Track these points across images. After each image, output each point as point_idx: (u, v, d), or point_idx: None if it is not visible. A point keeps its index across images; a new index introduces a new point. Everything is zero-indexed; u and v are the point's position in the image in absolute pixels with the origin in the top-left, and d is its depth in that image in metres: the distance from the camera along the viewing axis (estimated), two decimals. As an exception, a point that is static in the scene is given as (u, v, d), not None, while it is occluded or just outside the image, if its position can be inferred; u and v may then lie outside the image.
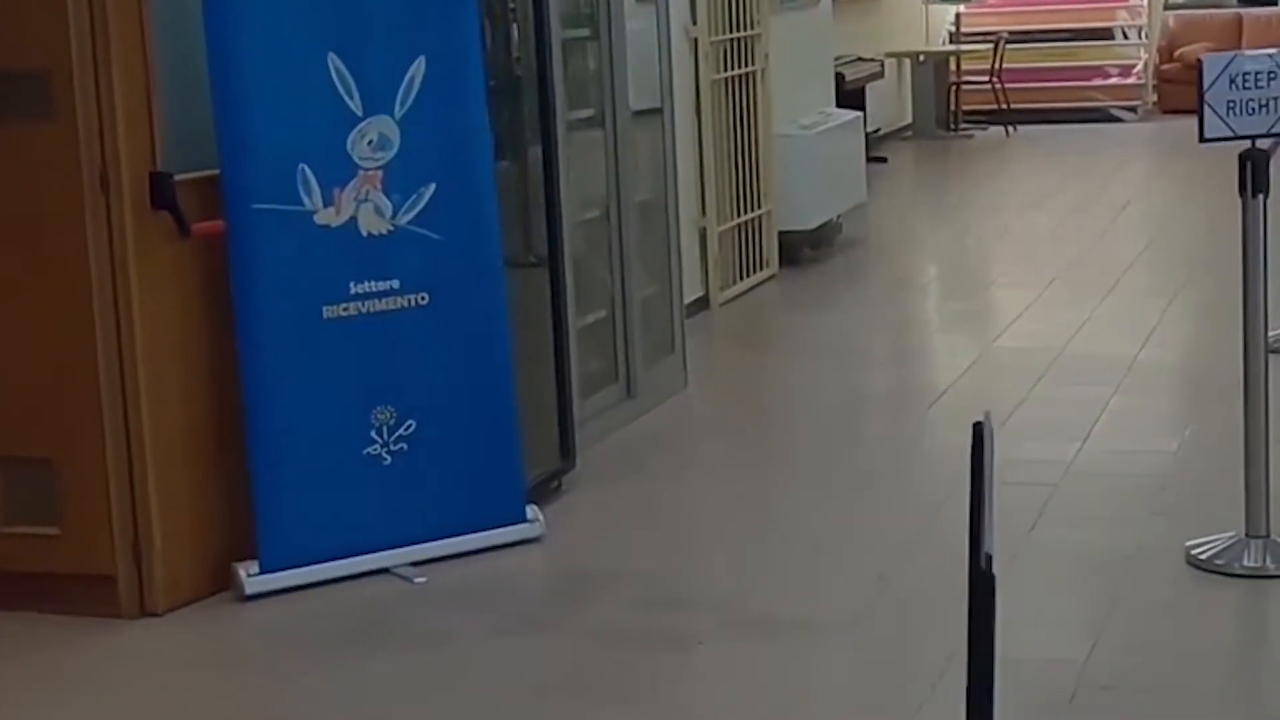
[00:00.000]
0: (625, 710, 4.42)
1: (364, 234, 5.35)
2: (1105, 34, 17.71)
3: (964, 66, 16.72)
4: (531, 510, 5.68)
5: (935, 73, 16.42)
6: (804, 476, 6.44)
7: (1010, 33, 17.12)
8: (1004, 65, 16.43)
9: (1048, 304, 9.17)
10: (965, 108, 16.65)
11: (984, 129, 16.48)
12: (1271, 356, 7.37)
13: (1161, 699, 4.34)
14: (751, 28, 9.69)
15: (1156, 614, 4.90)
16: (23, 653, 4.89)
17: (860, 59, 14.60)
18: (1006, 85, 16.39)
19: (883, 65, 14.72)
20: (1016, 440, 6.80)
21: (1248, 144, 5.04)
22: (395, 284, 5.42)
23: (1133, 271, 9.67)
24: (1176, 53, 17.27)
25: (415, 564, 5.44)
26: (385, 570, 5.41)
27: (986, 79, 16.34)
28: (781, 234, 10.06)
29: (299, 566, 5.29)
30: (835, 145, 10.30)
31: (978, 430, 2.25)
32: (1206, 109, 4.99)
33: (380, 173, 5.37)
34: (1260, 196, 5.05)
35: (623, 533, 5.87)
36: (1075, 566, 5.30)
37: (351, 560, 5.37)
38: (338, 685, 4.67)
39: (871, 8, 15.68)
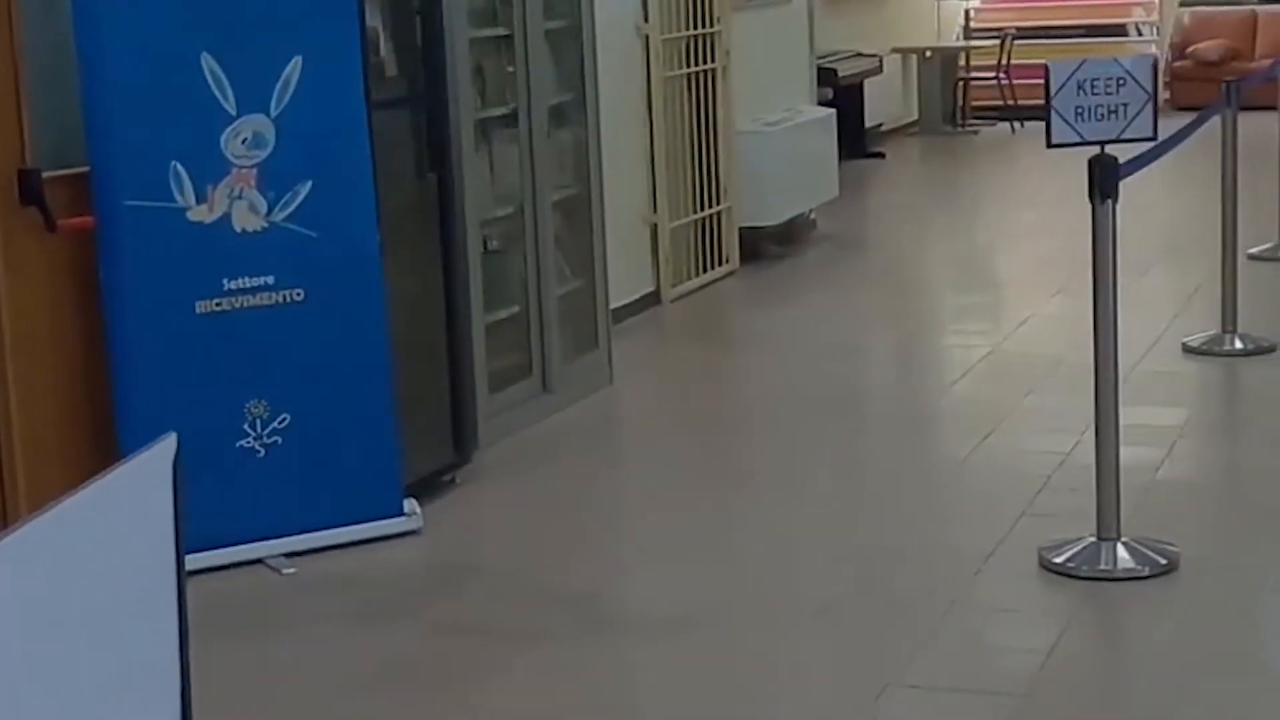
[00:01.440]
0: (445, 701, 4.50)
1: (238, 230, 5.45)
2: (1119, 30, 17.64)
3: (974, 62, 16.69)
4: (409, 504, 5.76)
5: (943, 68, 16.42)
6: (709, 475, 6.49)
7: (1023, 29, 17.08)
8: (1013, 61, 16.39)
9: (1002, 302, 9.21)
10: (973, 104, 16.63)
11: (991, 125, 16.46)
12: (1196, 358, 7.49)
13: (961, 700, 4.40)
14: (712, 25, 9.74)
15: (988, 615, 4.95)
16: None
17: (860, 54, 14.62)
18: (1016, 81, 16.34)
19: (881, 61, 14.72)
20: (925, 435, 6.87)
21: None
22: (270, 280, 5.51)
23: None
24: (1189, 50, 17.20)
25: (289, 555, 5.53)
26: (259, 561, 5.51)
27: (995, 75, 16.31)
28: (744, 230, 10.10)
29: (169, 556, 5.38)
30: (801, 142, 10.34)
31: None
32: (1054, 114, 5.04)
33: (255, 170, 5.46)
34: (1109, 202, 5.08)
35: (504, 528, 5.95)
36: (925, 565, 5.35)
37: (224, 551, 5.47)
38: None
39: (877, 3, 15.70)
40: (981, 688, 4.45)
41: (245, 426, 5.51)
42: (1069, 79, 5.03)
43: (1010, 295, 9.26)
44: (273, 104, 5.46)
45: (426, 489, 6.09)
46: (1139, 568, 5.14)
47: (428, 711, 4.48)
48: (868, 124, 14.87)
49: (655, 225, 9.20)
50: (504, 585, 5.36)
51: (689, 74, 9.59)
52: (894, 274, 10.33)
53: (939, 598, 5.08)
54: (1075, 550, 5.21)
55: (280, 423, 5.55)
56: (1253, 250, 9.70)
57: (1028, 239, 11.03)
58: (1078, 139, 5.07)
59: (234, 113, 5.41)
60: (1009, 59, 16.38)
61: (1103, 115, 5.07)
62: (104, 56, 5.23)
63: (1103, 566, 5.16)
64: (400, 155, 6.19)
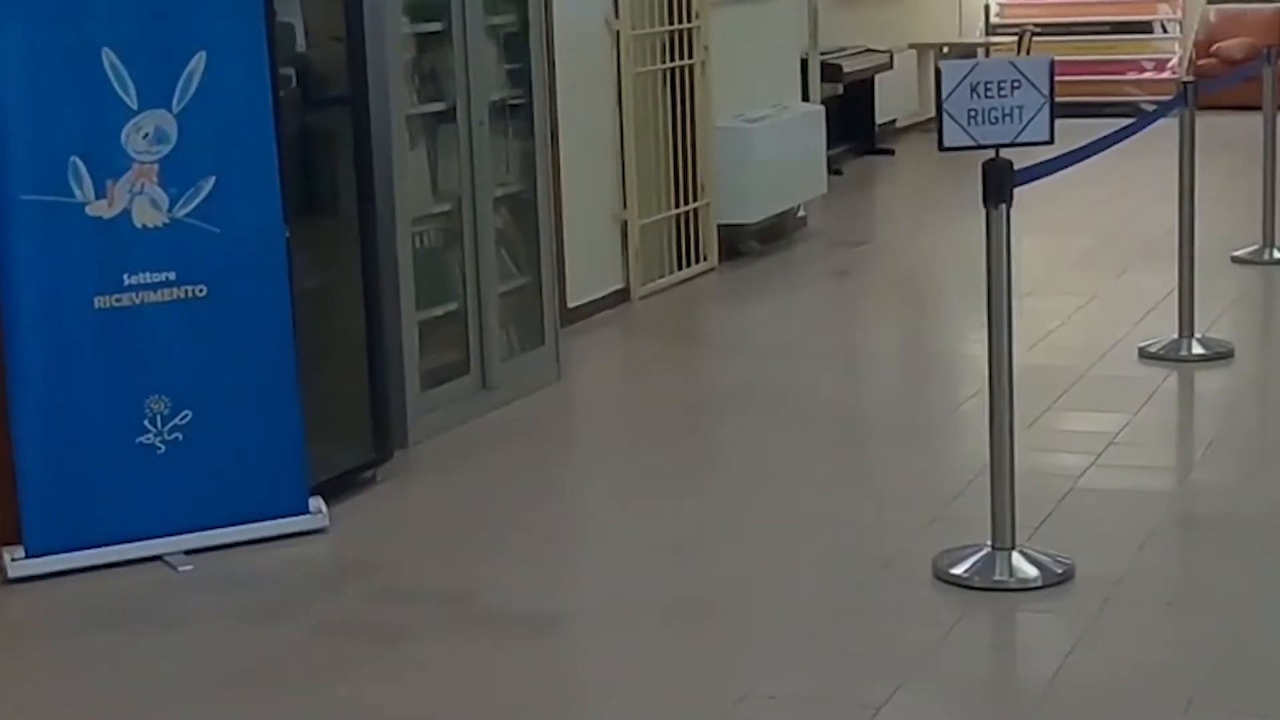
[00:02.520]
0: (309, 699, 4.47)
1: (138, 226, 5.44)
2: (1144, 28, 17.48)
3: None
4: (315, 502, 5.74)
5: (962, 64, 16.26)
6: (631, 474, 6.43)
7: (1046, 25, 16.95)
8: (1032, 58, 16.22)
9: (971, 304, 9.10)
10: (991, 100, 16.45)
11: (1009, 122, 16.27)
12: (1151, 363, 7.39)
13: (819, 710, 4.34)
14: (690, 20, 9.68)
15: (873, 623, 4.89)
16: None
17: (870, 50, 14.52)
18: (1034, 78, 16.17)
19: (891, 57, 14.60)
20: (859, 437, 6.81)
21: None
22: (171, 276, 5.50)
23: (1071, 274, 9.54)
24: (1214, 47, 17.00)
25: (189, 552, 5.52)
26: (159, 558, 5.50)
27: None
28: (724, 227, 10.03)
29: (66, 551, 5.39)
30: (784, 138, 10.26)
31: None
32: (946, 117, 4.96)
33: (156, 166, 5.45)
34: (1003, 206, 5.00)
35: (411, 526, 5.94)
36: (822, 570, 5.30)
37: (122, 547, 5.46)
38: (58, 663, 4.78)
39: (894, -2, 15.63)
40: (843, 698, 4.39)
41: (145, 423, 5.50)
42: (961, 81, 4.94)
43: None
44: (175, 99, 5.45)
45: (343, 486, 6.08)
46: (1032, 579, 5.06)
47: (290, 708, 4.46)
48: (879, 120, 14.75)
49: (625, 222, 9.13)
50: (394, 583, 5.33)
51: (666, 70, 9.54)
52: (876, 272, 10.23)
53: (826, 604, 5.02)
54: (971, 560, 5.14)
55: (182, 419, 5.54)
56: (1237, 253, 9.59)
57: (1024, 236, 10.84)
58: (971, 142, 4.99)
59: (135, 108, 5.40)
60: (1028, 55, 16.23)
61: (997, 118, 4.98)
62: (3, 50, 5.22)
63: (997, 577, 5.09)
64: (319, 151, 6.16)
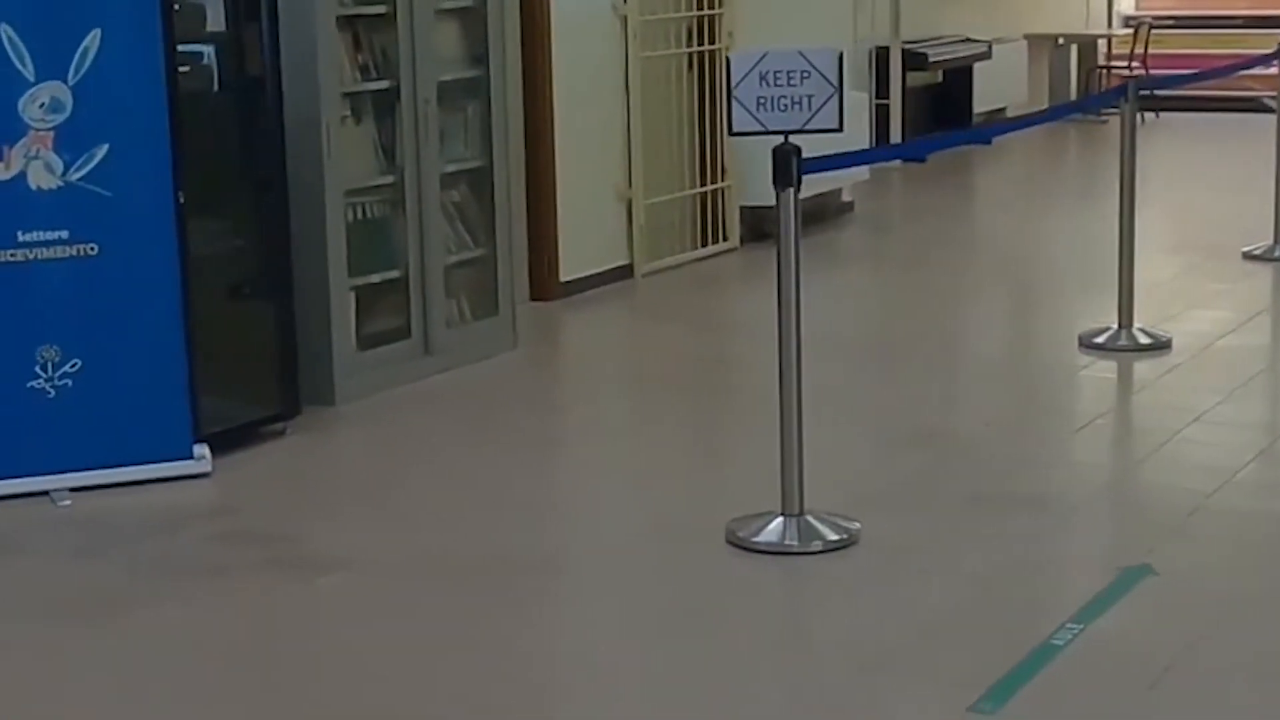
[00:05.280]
0: (91, 629, 4.89)
1: (33, 188, 5.92)
2: (1276, 22, 17.27)
3: (1116, 51, 16.52)
4: (199, 449, 6.19)
5: (1080, 56, 16.31)
6: (532, 440, 6.76)
7: (1179, 18, 16.87)
8: (1155, 50, 16.18)
9: (983, 298, 9.27)
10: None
11: (1124, 114, 16.23)
12: (1090, 353, 7.55)
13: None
14: (716, 7, 9.98)
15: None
16: None
17: (968, 39, 14.66)
18: (1155, 71, 16.13)
19: (990, 47, 14.69)
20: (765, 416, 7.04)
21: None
22: (64, 234, 5.98)
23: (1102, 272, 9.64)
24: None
25: (74, 489, 5.99)
26: (46, 493, 5.98)
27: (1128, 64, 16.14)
28: (752, 209, 10.31)
29: (-44, 485, 5.91)
30: (814, 124, 10.46)
31: None
32: (735, 104, 5.23)
33: (52, 133, 5.93)
34: (790, 190, 5.27)
35: (294, 478, 6.32)
36: (631, 534, 5.63)
37: (11, 481, 5.96)
38: None
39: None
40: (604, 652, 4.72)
41: (37, 369, 5.98)
42: (751, 70, 5.22)
43: (1029, 294, 9.30)
44: (71, 72, 5.92)
45: (247, 437, 6.51)
46: (814, 544, 5.33)
47: (72, 634, 4.86)
48: (980, 110, 14.85)
49: (630, 201, 9.46)
50: (238, 526, 5.76)
51: (691, 54, 9.85)
52: (905, 261, 10.41)
53: (621, 565, 5.34)
54: (760, 525, 5.41)
55: (71, 367, 6.01)
56: (1247, 248, 9.65)
57: (1085, 239, 10.75)
58: (760, 128, 5.26)
59: (32, 79, 5.88)
60: (1146, 48, 16.18)
61: (786, 106, 5.24)
62: (-96, 25, 5.74)
63: (787, 541, 5.36)
64: (233, 126, 6.59)
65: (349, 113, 7.20)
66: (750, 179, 10.21)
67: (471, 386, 7.44)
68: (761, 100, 5.23)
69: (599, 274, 9.28)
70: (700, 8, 9.93)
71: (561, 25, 8.88)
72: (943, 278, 9.73)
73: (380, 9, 7.26)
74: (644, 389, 7.55)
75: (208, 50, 6.53)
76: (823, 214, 11.03)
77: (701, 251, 10.02)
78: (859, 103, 11.21)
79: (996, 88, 15.07)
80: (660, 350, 8.22)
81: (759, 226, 10.48)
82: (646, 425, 6.96)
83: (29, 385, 5.99)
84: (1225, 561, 5.22)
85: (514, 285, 7.94)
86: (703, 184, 10.02)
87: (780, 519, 5.41)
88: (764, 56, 5.23)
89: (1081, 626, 4.67)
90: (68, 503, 5.93)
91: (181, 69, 6.25)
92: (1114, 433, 6.75)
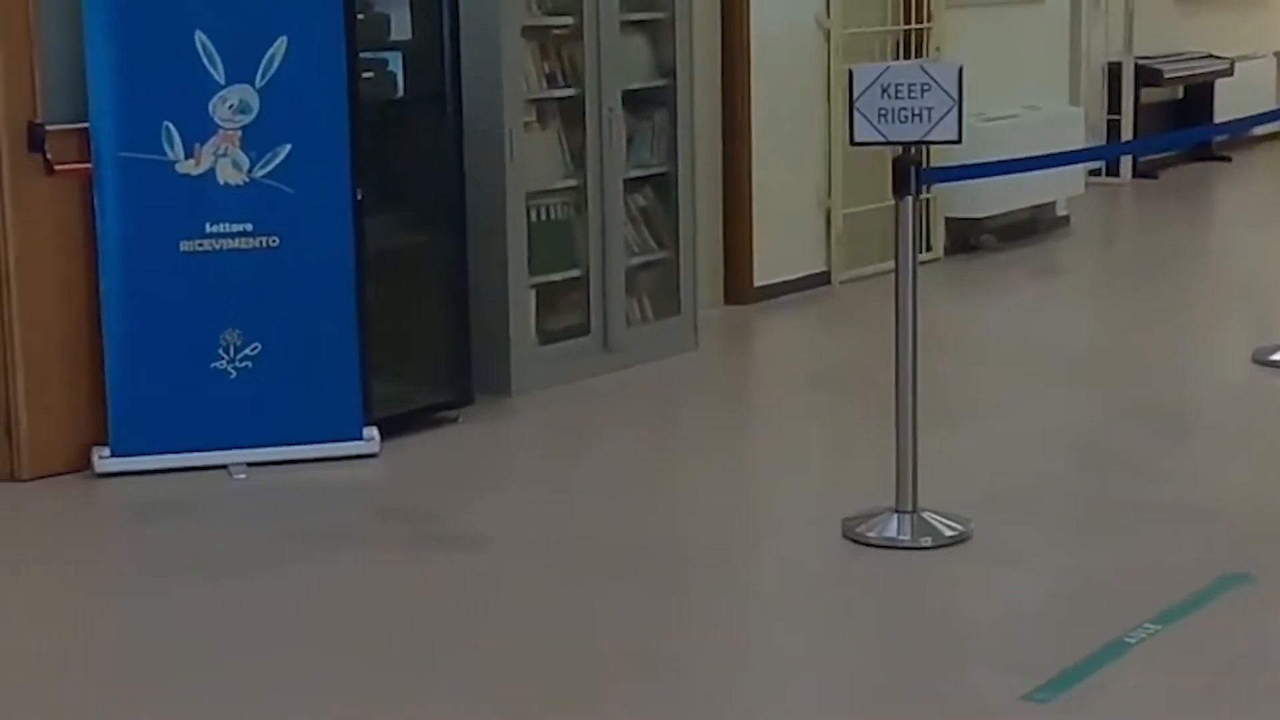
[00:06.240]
0: (220, 586, 5.31)
1: (221, 183, 6.39)
2: None
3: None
4: (369, 431, 6.60)
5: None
6: (691, 435, 7.06)
7: None
8: None
9: (1178, 312, 9.25)
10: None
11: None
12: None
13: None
14: (924, 20, 10.17)
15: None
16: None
17: (1211, 56, 14.57)
18: None
19: (1232, 64, 14.58)
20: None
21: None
22: (248, 227, 6.43)
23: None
24: None
25: (251, 465, 6.45)
26: (224, 467, 6.44)
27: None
28: (954, 220, 10.47)
29: (145, 455, 6.39)
30: (1022, 138, 10.56)
31: None
32: (857, 114, 5.46)
33: (239, 133, 6.39)
34: (909, 198, 5.49)
35: (457, 461, 6.67)
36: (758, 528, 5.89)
37: (192, 454, 6.43)
38: (122, 541, 5.94)
39: (1259, 3, 15.55)
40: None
41: (220, 351, 6.45)
42: (873, 82, 5.43)
43: (1229, 310, 9.32)
44: (258, 76, 6.37)
45: (420, 422, 6.91)
46: (925, 539, 5.54)
47: (222, 591, 5.29)
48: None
49: (829, 210, 9.69)
50: (391, 502, 6.16)
51: (897, 68, 10.04)
52: (1109, 274, 10.46)
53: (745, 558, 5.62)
54: (874, 520, 5.63)
55: (252, 350, 6.47)
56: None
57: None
58: (880, 139, 5.48)
59: (222, 82, 6.35)
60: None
61: (907, 118, 5.45)
62: (108, 30, 6.24)
63: (899, 536, 5.57)
64: (416, 130, 6.99)
65: (534, 118, 7.56)
66: (955, 191, 10.37)
67: (645, 383, 7.74)
68: (883, 112, 5.44)
69: (795, 280, 9.53)
70: (908, 22, 10.12)
71: (762, 37, 9.16)
72: (1146, 291, 9.79)
73: (568, 21, 7.61)
74: (811, 390, 7.79)
75: (393, 57, 6.93)
76: (1035, 226, 11.14)
77: (903, 261, 10.18)
78: (1074, 119, 11.29)
79: (1240, 105, 14.90)
80: (839, 355, 8.45)
81: (965, 238, 10.64)
82: (803, 423, 7.21)
83: (212, 366, 6.45)
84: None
85: (696, 287, 8.22)
86: (907, 195, 10.18)
87: (894, 515, 5.62)
88: (886, 70, 5.44)
89: (1159, 627, 4.80)
90: (242, 476, 6.37)
91: (365, 75, 6.68)
92: (1263, 448, 6.78)
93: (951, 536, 5.56)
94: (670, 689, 4.54)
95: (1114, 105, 13.47)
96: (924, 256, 10.29)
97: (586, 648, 4.81)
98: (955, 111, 5.46)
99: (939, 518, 5.63)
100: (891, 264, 9.86)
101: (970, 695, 4.49)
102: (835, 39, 9.60)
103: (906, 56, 10.13)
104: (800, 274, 9.58)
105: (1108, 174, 13.48)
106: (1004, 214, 10.76)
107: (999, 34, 10.80)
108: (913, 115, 5.45)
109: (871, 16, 9.96)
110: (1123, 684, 4.49)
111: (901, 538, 5.56)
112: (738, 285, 9.27)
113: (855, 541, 5.59)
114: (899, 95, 5.45)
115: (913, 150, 5.52)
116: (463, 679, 4.60)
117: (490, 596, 5.24)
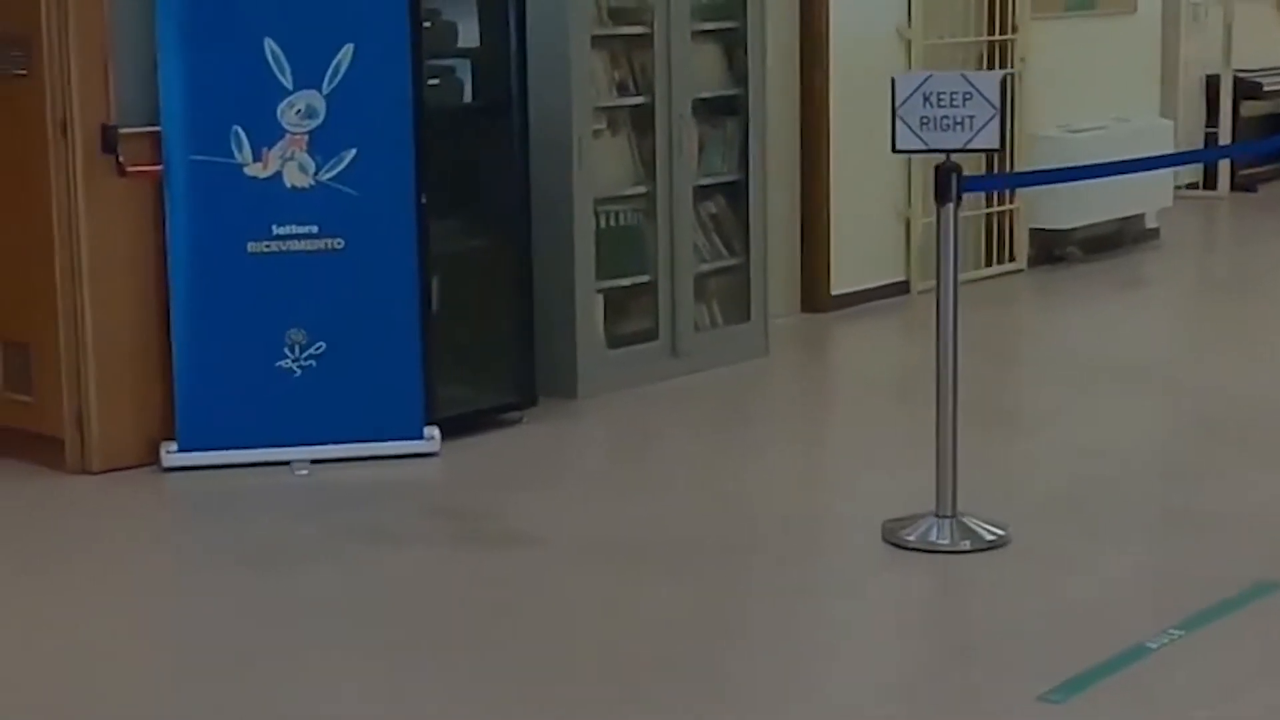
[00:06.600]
0: (272, 579, 5.46)
1: (288, 186, 6.55)
2: None
3: None
4: (430, 430, 6.73)
5: None
6: (751, 442, 7.13)
7: None
8: None
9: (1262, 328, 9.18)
10: None
11: None
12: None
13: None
14: (1009, 31, 10.20)
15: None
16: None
17: (1308, 68, 14.46)
18: None
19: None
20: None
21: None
22: (314, 229, 6.59)
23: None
24: None
25: (314, 461, 6.60)
26: (287, 463, 6.60)
27: None
28: (1039, 231, 10.48)
29: (210, 450, 6.56)
30: (1110, 150, 10.53)
31: None
32: (899, 123, 5.53)
33: (306, 137, 6.55)
34: (950, 205, 5.55)
35: (516, 462, 6.78)
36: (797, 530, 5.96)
37: (257, 450, 6.59)
38: (166, 535, 6.12)
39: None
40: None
41: (285, 350, 6.61)
42: (915, 90, 5.50)
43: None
44: (325, 83, 6.53)
45: (485, 423, 7.04)
46: (965, 543, 5.59)
47: (260, 583, 5.44)
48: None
49: (909, 219, 9.74)
50: (445, 501, 6.29)
51: (982, 78, 10.07)
52: (1192, 289, 10.42)
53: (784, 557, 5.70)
54: (915, 525, 5.69)
55: (316, 350, 6.62)
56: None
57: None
58: (922, 147, 5.54)
59: (290, 88, 6.51)
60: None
61: (948, 126, 5.51)
62: (180, 36, 6.42)
63: (938, 540, 5.63)
64: (479, 135, 7.12)
65: (604, 125, 7.67)
66: (1040, 202, 10.39)
67: (713, 388, 7.83)
68: (925, 120, 5.50)
69: (874, 289, 9.58)
70: (991, 33, 10.14)
71: (841, 47, 9.22)
72: (1232, 306, 9.76)
73: (639, 29, 7.72)
74: (879, 397, 7.84)
75: (461, 65, 7.07)
76: (1122, 239, 11.11)
77: (986, 271, 10.22)
78: (1163, 131, 11.25)
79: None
80: (911, 363, 8.42)
81: (1049, 249, 10.64)
82: (865, 429, 7.26)
83: (277, 365, 6.60)
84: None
85: (766, 294, 8.29)
86: (989, 205, 10.22)
87: (934, 519, 5.67)
88: (928, 78, 5.51)
89: (1182, 633, 4.83)
90: (304, 472, 6.52)
91: (432, 81, 6.82)
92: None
93: (991, 541, 5.60)
94: (708, 688, 4.62)
95: (1212, 118, 13.39)
96: (1007, 267, 10.36)
97: (627, 646, 4.90)
98: (996, 120, 5.51)
99: (980, 523, 5.67)
100: (973, 274, 10.07)
101: (986, 694, 4.55)
102: (916, 50, 9.64)
103: (990, 68, 10.15)
104: (879, 283, 9.63)
105: (1205, 187, 13.40)
106: (1090, 225, 10.74)
107: (1087, 45, 10.79)
108: (954, 124, 5.51)
109: (954, 27, 10.00)
110: (1137, 689, 4.52)
111: (941, 542, 5.61)
112: (815, 293, 9.33)
113: (895, 545, 5.65)
114: (941, 104, 5.51)
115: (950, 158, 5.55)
116: (503, 675, 4.69)
117: (536, 594, 5.33)
